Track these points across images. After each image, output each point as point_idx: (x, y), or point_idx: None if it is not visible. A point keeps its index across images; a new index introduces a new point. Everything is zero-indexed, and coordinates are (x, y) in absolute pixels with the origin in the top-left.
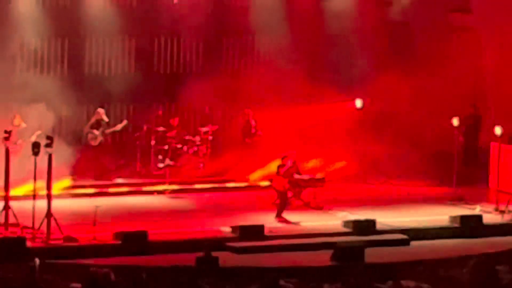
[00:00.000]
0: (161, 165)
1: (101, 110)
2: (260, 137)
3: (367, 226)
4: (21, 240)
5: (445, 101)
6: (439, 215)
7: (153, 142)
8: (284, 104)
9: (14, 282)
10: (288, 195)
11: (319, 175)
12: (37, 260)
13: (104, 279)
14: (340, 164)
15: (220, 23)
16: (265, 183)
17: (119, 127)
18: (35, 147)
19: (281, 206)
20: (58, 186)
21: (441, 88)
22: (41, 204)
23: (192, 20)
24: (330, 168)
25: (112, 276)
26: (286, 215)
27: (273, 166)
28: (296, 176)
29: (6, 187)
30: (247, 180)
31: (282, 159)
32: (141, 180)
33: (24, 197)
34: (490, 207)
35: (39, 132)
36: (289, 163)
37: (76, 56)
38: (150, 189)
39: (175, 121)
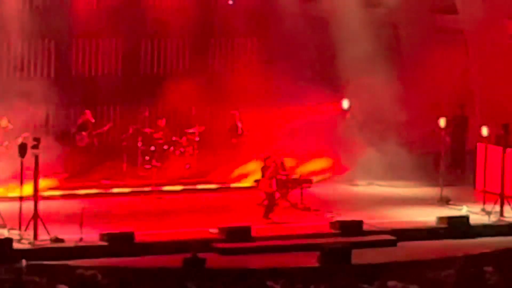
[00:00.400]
0: (147, 166)
1: (88, 112)
2: (247, 137)
3: (354, 227)
4: (8, 242)
5: (432, 102)
6: (426, 216)
7: (139, 143)
8: (271, 105)
9: (1, 284)
10: (275, 196)
11: (305, 176)
12: (23, 262)
13: (91, 280)
14: (326, 165)
15: (206, 25)
16: (248, 183)
17: (106, 128)
18: (22, 148)
19: (269, 207)
20: (45, 186)
21: (428, 89)
22: (28, 205)
23: (178, 21)
24: (316, 169)
25: (99, 277)
26: (273, 216)
27: (251, 167)
28: (283, 176)
29: None
30: (230, 181)
31: (265, 160)
32: (128, 181)
33: (11, 199)
34: (477, 208)
35: (26, 134)
36: (273, 164)
37: (63, 58)
38: (137, 190)
39: (162, 122)
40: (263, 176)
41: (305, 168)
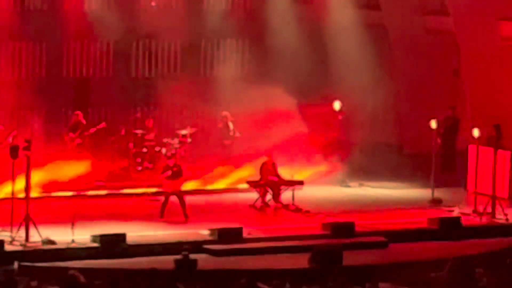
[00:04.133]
0: (139, 168)
1: (79, 113)
2: (238, 139)
3: (346, 229)
4: None
5: (423, 104)
6: (417, 218)
7: (131, 145)
8: (262, 106)
9: None
10: (266, 197)
11: (297, 177)
12: (16, 264)
13: (82, 282)
14: (319, 167)
15: (197, 26)
16: (243, 185)
17: (95, 129)
18: (14, 150)
19: (163, 205)
20: (34, 187)
21: (419, 91)
22: (20, 206)
23: (169, 23)
24: (308, 170)
25: (90, 279)
26: (265, 218)
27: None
28: (274, 177)
29: None
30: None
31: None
32: (119, 183)
33: (2, 200)
34: (469, 209)
35: (14, 132)
36: (265, 166)
37: (54, 59)
38: (128, 191)
39: (150, 123)
40: (261, 177)
41: (297, 170)
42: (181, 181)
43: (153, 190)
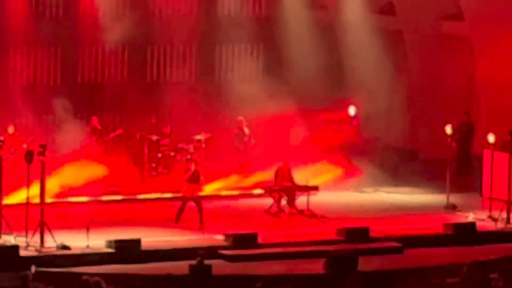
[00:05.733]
0: (154, 173)
1: (94, 118)
2: (253, 144)
3: (361, 234)
4: (14, 249)
5: (438, 109)
6: (432, 223)
7: (146, 150)
8: (276, 112)
9: None
10: (281, 203)
11: (312, 183)
12: (33, 268)
13: (97, 287)
14: (334, 172)
15: (212, 31)
16: (258, 191)
17: (113, 135)
18: (28, 155)
19: (180, 210)
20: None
21: (434, 96)
22: (35, 212)
23: (183, 27)
24: (324, 176)
25: (105, 284)
26: (280, 223)
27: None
28: (289, 183)
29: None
30: (236, 188)
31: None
32: (134, 188)
33: (18, 205)
34: (484, 215)
35: (31, 138)
36: (281, 172)
37: (68, 65)
38: (143, 197)
39: (167, 129)
40: (276, 182)
41: (312, 175)
42: (200, 186)
43: (168, 195)
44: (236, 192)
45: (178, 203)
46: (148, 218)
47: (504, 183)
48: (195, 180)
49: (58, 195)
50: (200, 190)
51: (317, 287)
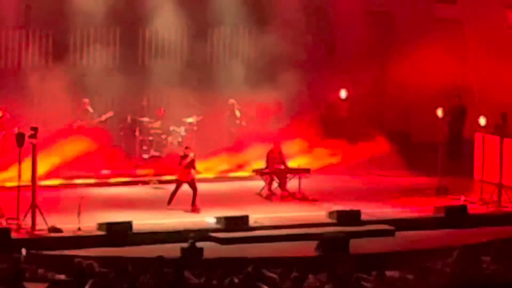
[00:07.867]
0: (145, 156)
1: (86, 101)
2: (245, 127)
3: (352, 217)
4: (6, 231)
5: (430, 92)
6: (424, 206)
7: (137, 133)
8: (268, 94)
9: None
10: (272, 185)
11: (304, 165)
12: (23, 250)
13: (89, 269)
14: (325, 155)
15: (203, 13)
16: (249, 173)
17: (104, 117)
18: (19, 138)
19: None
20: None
21: (426, 79)
22: (26, 195)
23: (175, 10)
24: (314, 159)
25: (97, 267)
26: (271, 206)
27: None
28: (281, 165)
29: None
30: (228, 170)
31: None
32: (126, 171)
33: (9, 188)
34: (475, 198)
35: (22, 123)
36: (271, 154)
37: (60, 48)
38: (135, 179)
39: (160, 111)
40: (267, 165)
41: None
42: (197, 171)
43: (160, 178)
44: (227, 175)
45: (164, 186)
46: (140, 200)
47: (496, 166)
48: (191, 165)
49: (49, 175)
50: (197, 173)
51: (309, 270)
